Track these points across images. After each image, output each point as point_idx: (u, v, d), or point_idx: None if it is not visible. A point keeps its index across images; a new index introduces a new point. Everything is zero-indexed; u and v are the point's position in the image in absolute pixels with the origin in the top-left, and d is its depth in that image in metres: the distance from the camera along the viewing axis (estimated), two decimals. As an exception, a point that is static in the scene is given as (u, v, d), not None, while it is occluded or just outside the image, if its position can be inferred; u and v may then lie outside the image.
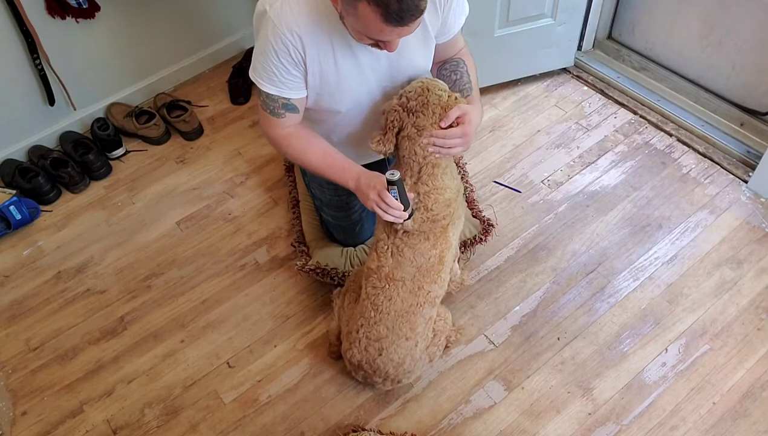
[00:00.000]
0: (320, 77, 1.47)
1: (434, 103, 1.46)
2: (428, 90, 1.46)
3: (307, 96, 1.52)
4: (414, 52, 1.51)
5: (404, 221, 1.50)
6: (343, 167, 1.57)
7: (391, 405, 1.74)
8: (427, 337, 1.64)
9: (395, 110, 1.48)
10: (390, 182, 1.41)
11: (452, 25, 1.54)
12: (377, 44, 1.34)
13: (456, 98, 1.50)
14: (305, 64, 1.43)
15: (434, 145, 1.47)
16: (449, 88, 1.54)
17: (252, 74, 1.48)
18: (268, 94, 1.48)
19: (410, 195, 1.49)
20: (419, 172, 1.50)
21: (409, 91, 1.48)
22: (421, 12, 1.24)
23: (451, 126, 1.47)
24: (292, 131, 1.57)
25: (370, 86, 1.55)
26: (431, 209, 1.51)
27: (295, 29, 1.37)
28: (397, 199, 1.44)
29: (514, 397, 1.73)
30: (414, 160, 1.49)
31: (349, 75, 1.49)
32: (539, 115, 2.43)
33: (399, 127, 1.49)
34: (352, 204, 1.86)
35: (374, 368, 1.62)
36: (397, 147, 1.53)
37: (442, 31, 1.54)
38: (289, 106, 1.51)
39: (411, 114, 1.46)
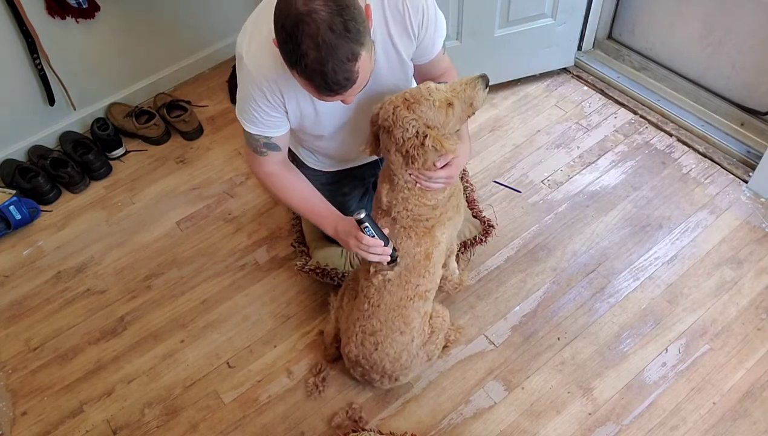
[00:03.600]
0: (300, 113, 1.50)
1: (397, 137, 1.40)
2: (396, 119, 1.38)
3: (289, 128, 1.55)
4: (388, 77, 1.50)
5: (390, 262, 1.51)
6: (321, 214, 1.61)
7: (391, 405, 1.74)
8: (423, 332, 1.64)
9: (374, 120, 1.46)
10: (359, 222, 1.42)
11: (429, 47, 1.52)
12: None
13: (426, 137, 1.38)
14: (284, 106, 1.46)
15: (418, 181, 1.47)
16: None
17: (237, 115, 1.53)
18: (250, 133, 1.52)
19: (385, 231, 1.50)
20: (399, 182, 1.49)
21: (383, 108, 1.42)
22: (353, 82, 1.21)
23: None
24: (276, 171, 1.61)
25: (350, 112, 1.56)
26: (411, 210, 1.50)
27: (270, 75, 1.39)
28: (374, 237, 1.46)
29: (514, 397, 1.73)
30: (393, 173, 1.48)
31: (327, 108, 1.50)
32: (539, 115, 2.43)
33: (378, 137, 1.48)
34: (347, 206, 1.86)
35: (371, 363, 1.62)
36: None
37: (420, 54, 1.52)
38: (270, 145, 1.54)
39: (381, 129, 1.44)
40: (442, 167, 1.45)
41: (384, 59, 1.46)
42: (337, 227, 1.56)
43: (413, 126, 1.38)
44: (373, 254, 1.48)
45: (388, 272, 1.54)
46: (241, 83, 1.46)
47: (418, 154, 1.40)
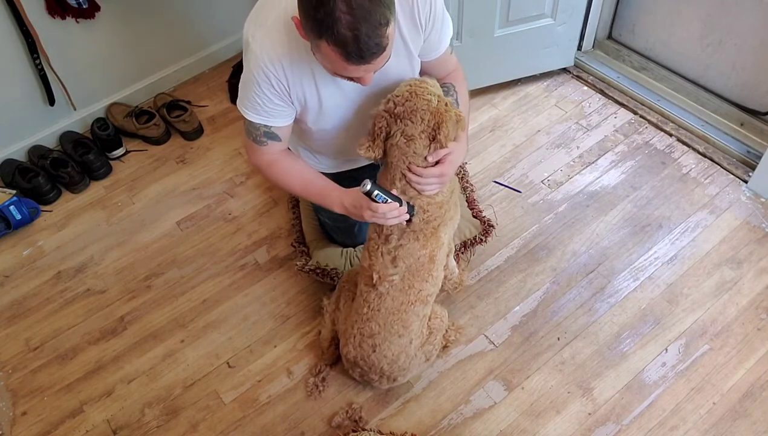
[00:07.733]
0: (304, 102, 1.49)
1: (422, 109, 1.41)
2: (416, 95, 1.41)
3: (292, 121, 1.54)
4: (396, 69, 1.50)
5: (410, 218, 1.49)
6: (322, 193, 1.57)
7: (391, 405, 1.74)
8: (422, 335, 1.64)
9: (382, 116, 1.45)
10: (368, 194, 1.39)
11: (436, 44, 1.52)
12: (351, 79, 1.33)
13: (447, 104, 1.43)
14: (289, 94, 1.45)
15: (411, 181, 1.46)
16: None
17: (238, 104, 1.50)
18: (252, 122, 1.50)
19: (393, 192, 1.47)
20: (408, 179, 1.48)
21: (397, 96, 1.43)
22: (383, 49, 1.22)
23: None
24: (275, 158, 1.59)
25: (354, 104, 1.55)
26: (427, 211, 1.50)
27: (276, 59, 1.39)
28: (387, 202, 1.42)
29: (514, 397, 1.73)
30: (403, 168, 1.47)
31: (332, 98, 1.50)
32: (539, 115, 2.43)
33: (387, 133, 1.46)
34: None
35: (369, 365, 1.62)
36: (385, 152, 1.50)
37: (427, 49, 1.53)
38: (270, 135, 1.52)
39: (399, 120, 1.43)
40: (434, 164, 1.45)
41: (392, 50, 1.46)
42: (344, 202, 1.52)
43: (434, 94, 1.42)
44: (391, 218, 1.44)
45: (395, 276, 1.53)
46: (246, 70, 1.44)
47: (445, 120, 1.41)
